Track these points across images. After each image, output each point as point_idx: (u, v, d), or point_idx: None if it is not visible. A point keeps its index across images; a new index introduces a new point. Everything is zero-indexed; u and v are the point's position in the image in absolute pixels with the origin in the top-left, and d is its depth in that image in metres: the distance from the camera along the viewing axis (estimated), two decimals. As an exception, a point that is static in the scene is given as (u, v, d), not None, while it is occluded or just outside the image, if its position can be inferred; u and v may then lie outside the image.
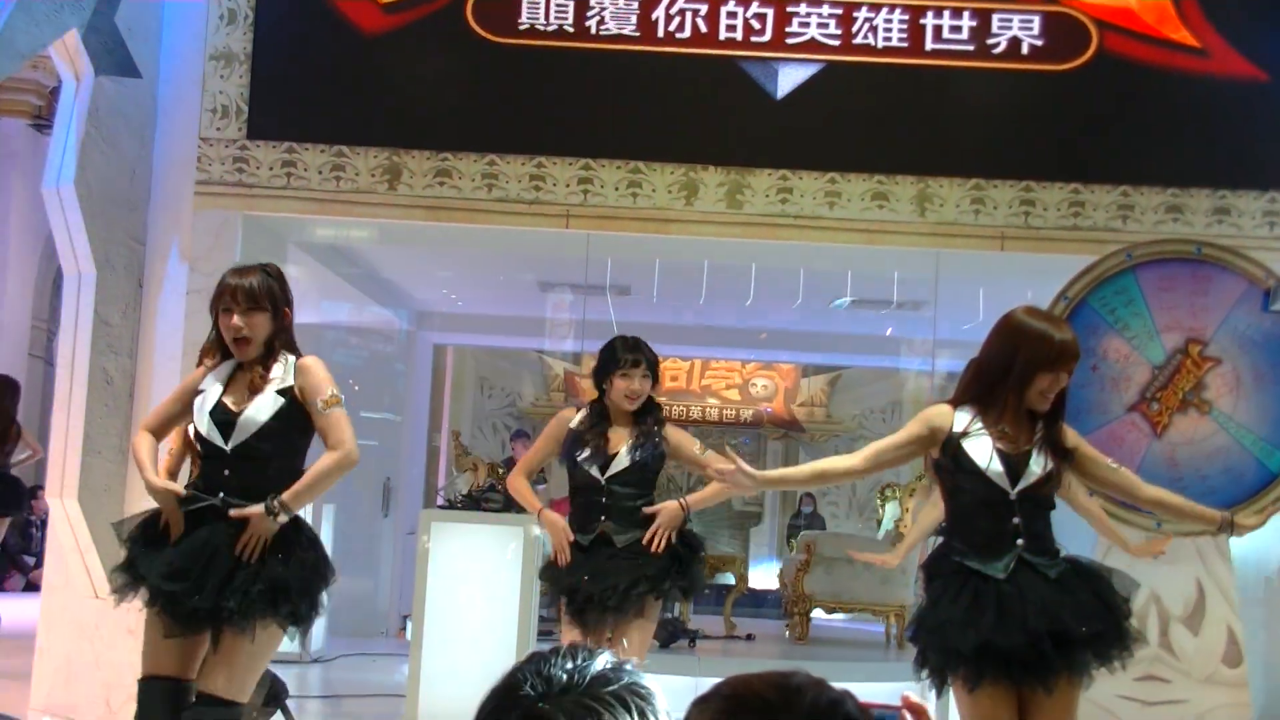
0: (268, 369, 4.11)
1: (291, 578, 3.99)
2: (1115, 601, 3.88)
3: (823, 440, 16.84)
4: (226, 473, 4.05)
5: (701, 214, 6.75)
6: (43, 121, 13.10)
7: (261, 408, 4.06)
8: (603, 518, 5.01)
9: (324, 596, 4.13)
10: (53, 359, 7.17)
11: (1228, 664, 5.98)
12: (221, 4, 6.77)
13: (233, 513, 3.99)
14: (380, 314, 10.45)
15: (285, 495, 4.03)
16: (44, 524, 10.26)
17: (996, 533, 3.82)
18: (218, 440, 4.05)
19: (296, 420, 4.10)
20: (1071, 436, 3.97)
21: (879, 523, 12.60)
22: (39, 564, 10.60)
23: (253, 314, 4.05)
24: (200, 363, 4.44)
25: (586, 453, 5.02)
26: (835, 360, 15.09)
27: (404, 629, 9.16)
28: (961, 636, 3.72)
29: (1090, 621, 3.78)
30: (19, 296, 14.13)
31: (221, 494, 4.03)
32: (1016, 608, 3.72)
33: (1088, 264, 6.00)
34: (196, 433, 4.13)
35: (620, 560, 4.96)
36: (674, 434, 5.14)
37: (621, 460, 5.02)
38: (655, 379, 5.09)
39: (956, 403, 3.94)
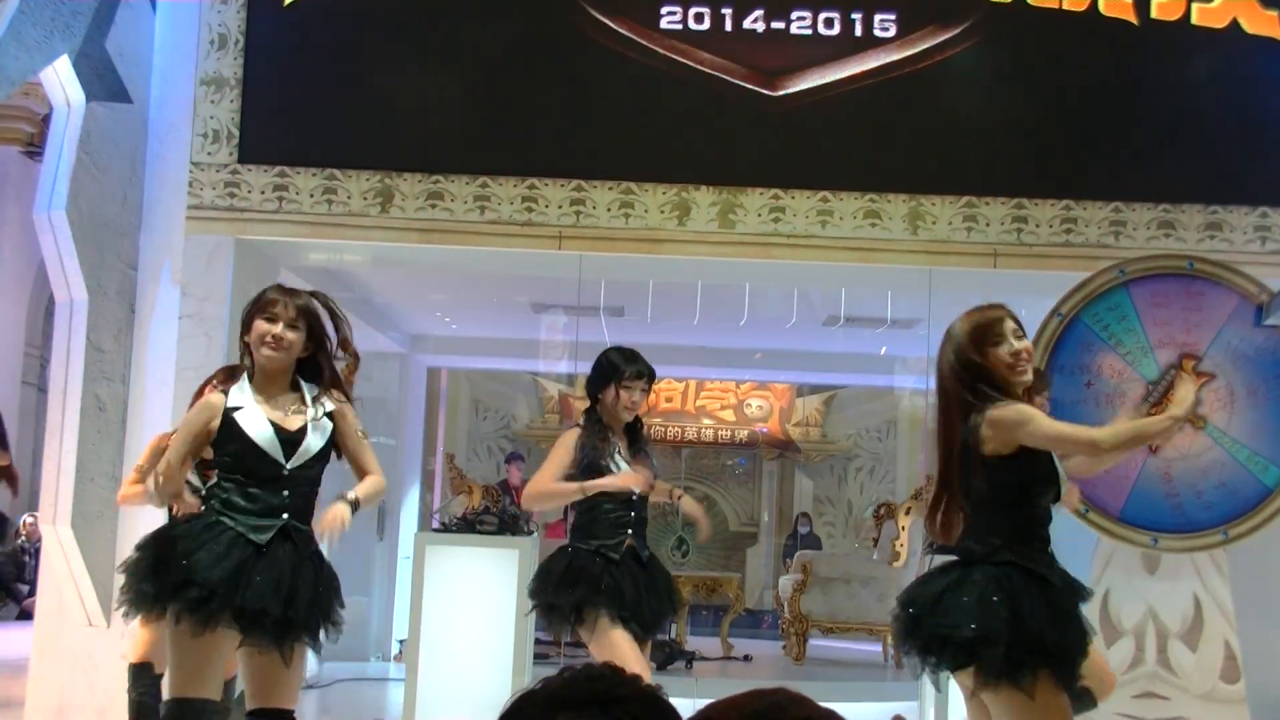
0: (292, 396, 4.10)
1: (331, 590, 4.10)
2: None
3: (819, 460, 16.82)
4: (286, 494, 4.01)
5: (694, 234, 6.75)
6: (35, 148, 13.08)
7: (318, 433, 4.06)
8: (629, 531, 4.96)
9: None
10: (46, 386, 7.15)
11: (1226, 680, 5.97)
12: (212, 29, 6.78)
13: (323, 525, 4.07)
14: (374, 338, 10.44)
15: (360, 495, 4.17)
16: (37, 551, 10.21)
17: (1047, 540, 3.80)
18: (280, 458, 4.00)
19: (328, 454, 4.14)
20: None
21: (875, 541, 12.58)
22: (32, 592, 10.55)
23: (292, 329, 4.03)
24: (203, 390, 4.46)
25: (619, 466, 4.94)
26: (830, 379, 15.08)
27: (399, 653, 9.12)
28: (1066, 636, 3.64)
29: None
30: (12, 323, 14.10)
31: (285, 515, 4.00)
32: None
33: (1080, 280, 6.01)
34: (247, 449, 4.00)
35: (646, 580, 4.92)
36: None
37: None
38: (649, 393, 5.08)
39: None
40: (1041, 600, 3.64)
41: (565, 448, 4.94)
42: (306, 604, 3.97)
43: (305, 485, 4.06)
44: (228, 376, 4.48)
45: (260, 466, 3.99)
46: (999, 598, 3.62)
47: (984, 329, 3.83)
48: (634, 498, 4.95)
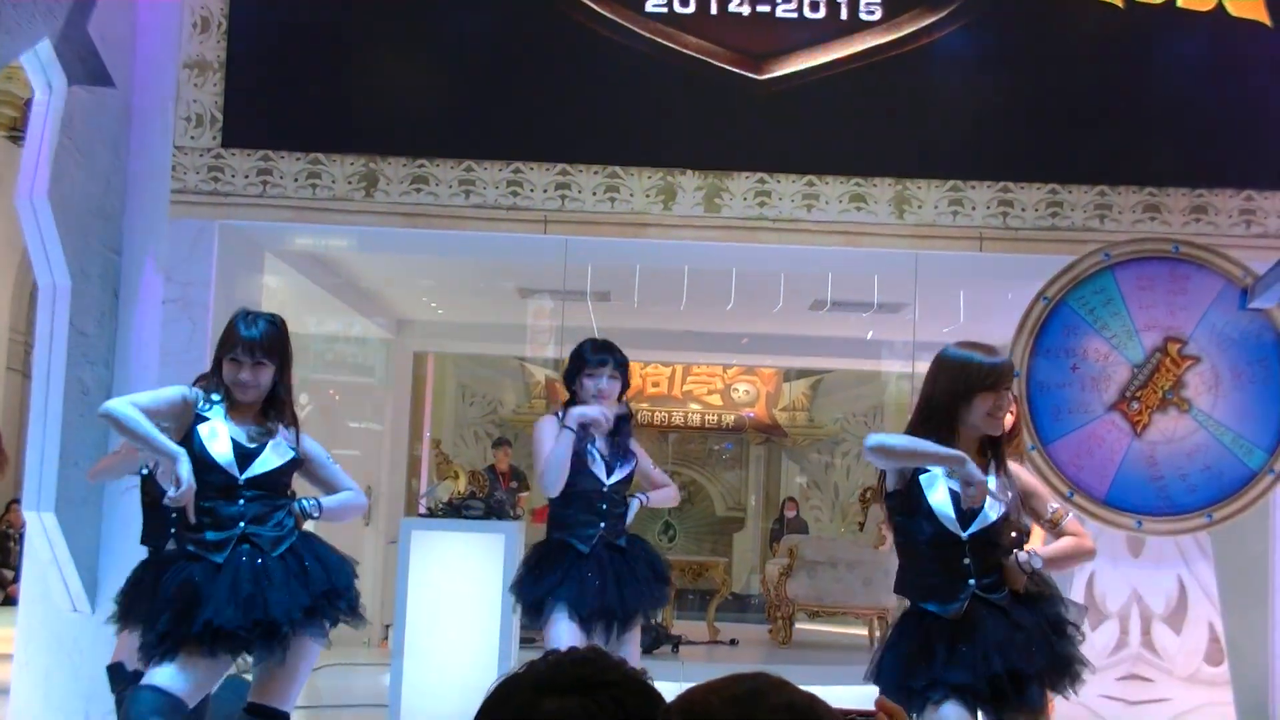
0: (271, 420, 4.19)
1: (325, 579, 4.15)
2: (1066, 629, 3.88)
3: (805, 444, 16.85)
4: (241, 502, 4.10)
5: (680, 218, 6.74)
6: (17, 133, 13.01)
7: (276, 451, 4.15)
8: (602, 524, 4.98)
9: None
10: (30, 372, 7.11)
11: (1210, 662, 6.00)
12: (194, 12, 6.74)
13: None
14: (360, 322, 10.41)
15: (324, 503, 4.27)
16: (22, 537, 10.18)
17: (949, 574, 3.81)
18: (234, 471, 4.08)
19: (289, 476, 4.23)
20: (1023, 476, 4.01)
21: (861, 525, 12.61)
22: (17, 578, 10.52)
23: (260, 368, 4.13)
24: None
25: (595, 455, 4.98)
26: (817, 364, 15.09)
27: (386, 638, 9.12)
28: (911, 674, 3.70)
29: (1038, 655, 3.77)
30: (-4, 309, 14.05)
31: (242, 524, 4.08)
32: (970, 648, 3.71)
33: (1066, 264, 6.01)
34: (201, 461, 4.05)
35: (622, 568, 4.94)
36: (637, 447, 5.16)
37: (619, 469, 5.02)
38: (625, 381, 5.06)
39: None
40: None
41: (549, 435, 4.95)
42: (282, 601, 4.00)
43: (264, 496, 4.13)
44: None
45: (213, 477, 4.07)
46: None
47: (993, 376, 3.82)
48: (604, 488, 4.97)
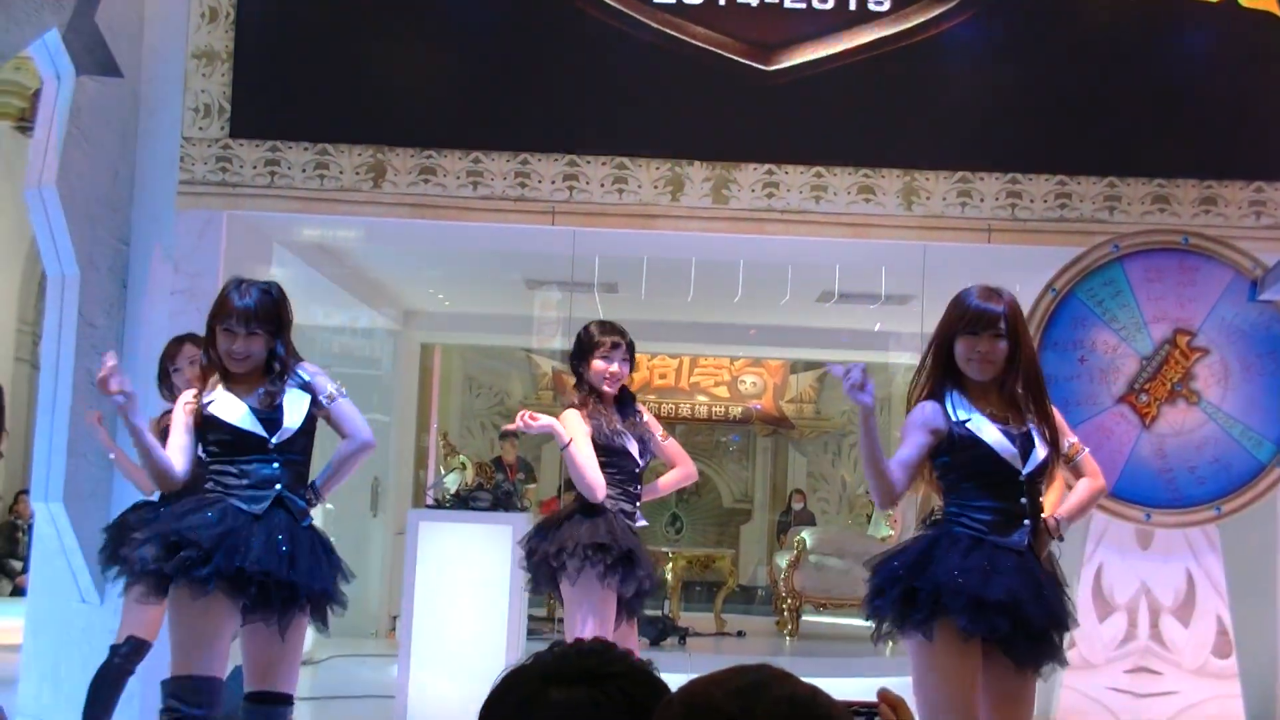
0: (275, 384, 4.13)
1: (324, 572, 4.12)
2: (1067, 607, 3.88)
3: (812, 436, 16.84)
4: (276, 465, 4.08)
5: (688, 209, 6.73)
6: (25, 123, 13.02)
7: (295, 409, 4.12)
8: (637, 503, 4.98)
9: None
10: (39, 363, 7.14)
11: (1218, 655, 5.99)
12: (203, 2, 6.73)
13: None
14: (367, 313, 10.41)
15: (319, 484, 4.23)
16: (30, 528, 10.21)
17: (1006, 513, 3.79)
18: (263, 433, 4.06)
19: (311, 425, 4.19)
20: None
21: (869, 517, 12.60)
22: (25, 569, 10.54)
23: (252, 338, 4.08)
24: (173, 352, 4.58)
25: (625, 434, 4.93)
26: (824, 356, 15.06)
27: (393, 629, 9.13)
28: (984, 586, 3.65)
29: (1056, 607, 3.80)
30: (4, 300, 14.06)
31: (278, 485, 4.07)
32: (1031, 581, 3.71)
33: (1075, 255, 6.00)
34: (230, 433, 4.06)
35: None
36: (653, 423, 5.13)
37: (645, 447, 5.02)
38: (633, 363, 5.04)
39: (929, 395, 3.92)
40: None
41: (580, 427, 4.88)
42: (307, 571, 4.01)
43: (294, 457, 4.12)
44: (180, 346, 5.11)
45: (246, 444, 4.06)
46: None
47: (969, 318, 3.86)
48: (639, 469, 4.97)
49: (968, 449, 3.78)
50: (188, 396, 4.18)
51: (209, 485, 4.08)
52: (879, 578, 3.84)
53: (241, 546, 3.90)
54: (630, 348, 4.98)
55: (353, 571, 4.32)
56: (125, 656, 5.25)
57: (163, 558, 3.90)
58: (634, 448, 4.93)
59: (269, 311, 4.11)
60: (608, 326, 4.99)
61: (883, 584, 3.80)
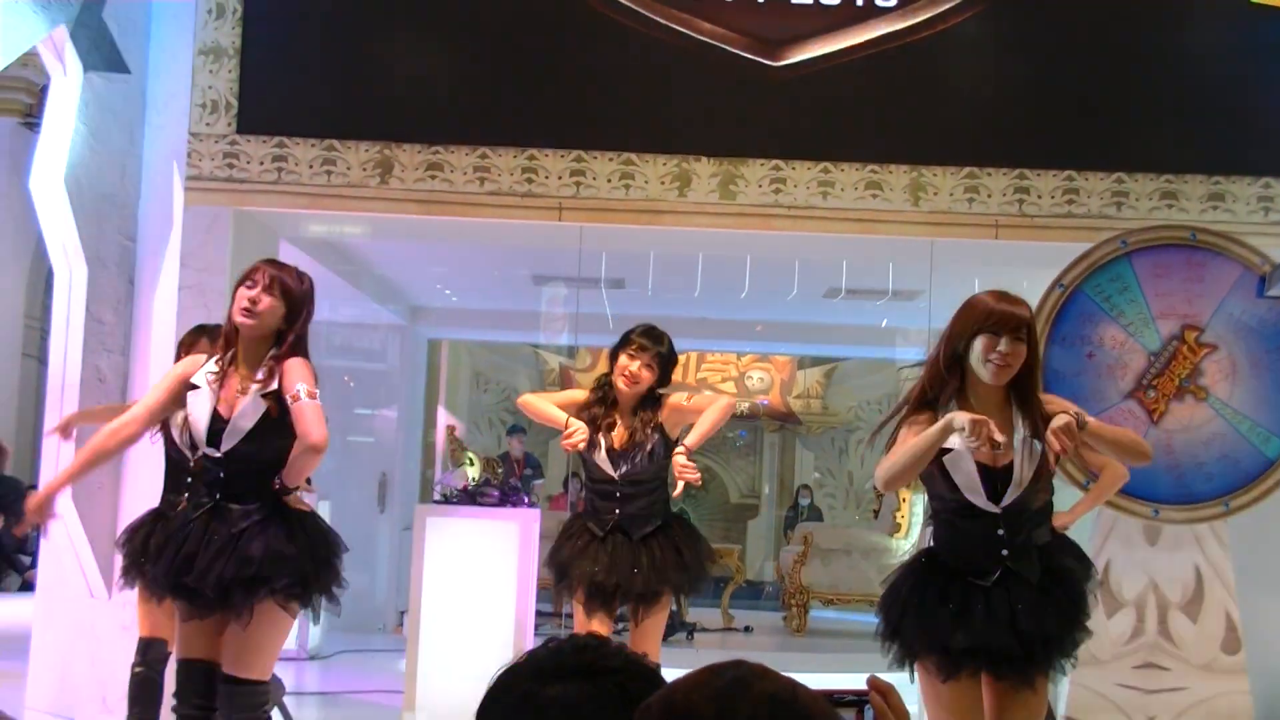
0: (256, 372, 4.13)
1: (294, 549, 4.13)
2: (1083, 602, 3.89)
3: (819, 432, 16.83)
4: (221, 475, 4.12)
5: (695, 205, 6.73)
6: (32, 119, 13.03)
7: (245, 413, 4.10)
8: (616, 511, 5.00)
9: (338, 565, 4.29)
10: (45, 358, 7.15)
11: (1226, 651, 5.97)
12: (210, -1, 6.74)
13: None
14: (374, 310, 10.42)
15: (282, 477, 4.19)
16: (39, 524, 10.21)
17: (984, 546, 3.81)
18: (208, 445, 4.13)
19: (282, 421, 4.10)
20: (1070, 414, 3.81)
21: (875, 513, 12.60)
22: (34, 564, 10.57)
23: (268, 295, 4.10)
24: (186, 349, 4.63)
25: (598, 445, 4.99)
26: (831, 352, 15.07)
27: (401, 624, 9.14)
28: (951, 636, 3.73)
29: (1063, 622, 3.81)
30: (11, 295, 14.08)
31: (218, 495, 4.12)
32: (1004, 610, 3.72)
33: (1082, 251, 5.98)
34: (187, 436, 4.27)
35: (639, 551, 4.95)
36: (670, 412, 5.11)
37: (629, 458, 5.03)
38: (663, 375, 5.06)
39: (929, 404, 3.89)
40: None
41: (577, 396, 5.15)
42: (257, 563, 4.03)
43: (243, 463, 4.11)
44: (198, 337, 5.03)
45: (195, 446, 4.22)
46: None
47: (992, 317, 3.82)
48: (616, 479, 5.01)
49: (945, 477, 3.81)
50: (200, 361, 4.24)
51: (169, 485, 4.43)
52: (880, 616, 4.00)
53: (177, 560, 4.08)
54: (660, 359, 5.01)
55: (345, 545, 4.36)
56: (147, 664, 5.26)
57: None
58: (604, 461, 5.00)
59: (295, 283, 4.15)
60: (648, 330, 5.08)
61: (879, 626, 3.97)
